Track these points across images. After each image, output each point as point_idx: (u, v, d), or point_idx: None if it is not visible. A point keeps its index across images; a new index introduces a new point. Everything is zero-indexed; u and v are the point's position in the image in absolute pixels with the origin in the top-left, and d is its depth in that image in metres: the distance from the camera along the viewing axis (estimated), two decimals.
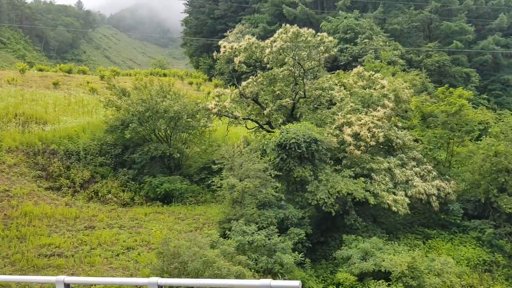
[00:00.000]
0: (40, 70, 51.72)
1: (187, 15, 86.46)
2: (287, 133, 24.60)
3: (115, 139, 30.38)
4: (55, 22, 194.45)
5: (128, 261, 19.34)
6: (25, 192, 25.29)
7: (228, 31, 67.15)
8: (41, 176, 27.65)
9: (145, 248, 20.90)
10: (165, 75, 59.57)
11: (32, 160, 28.47)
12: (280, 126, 29.43)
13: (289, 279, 19.92)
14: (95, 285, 12.08)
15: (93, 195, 27.44)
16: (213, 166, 30.79)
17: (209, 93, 47.01)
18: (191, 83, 58.34)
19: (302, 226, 23.98)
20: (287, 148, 24.26)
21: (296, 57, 29.48)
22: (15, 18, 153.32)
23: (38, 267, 17.90)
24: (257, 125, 32.50)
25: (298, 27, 29.24)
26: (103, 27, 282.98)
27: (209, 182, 30.29)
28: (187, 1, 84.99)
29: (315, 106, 31.35)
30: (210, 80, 67.41)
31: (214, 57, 32.05)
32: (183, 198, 28.81)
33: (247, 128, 33.09)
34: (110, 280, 8.34)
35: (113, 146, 30.39)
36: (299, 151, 23.99)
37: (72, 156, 29.11)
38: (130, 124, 27.81)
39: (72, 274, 17.58)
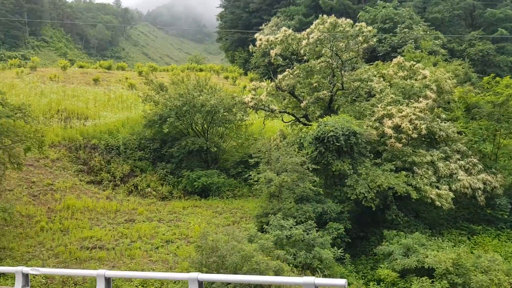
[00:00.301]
0: (81, 67, 53.13)
1: (223, 9, 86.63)
2: (325, 126, 24.08)
3: (153, 133, 30.77)
4: (94, 20, 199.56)
5: (167, 254, 19.48)
6: (67, 186, 26.01)
7: (263, 25, 66.66)
8: (82, 170, 28.37)
9: (184, 241, 21.01)
10: (201, 70, 59.96)
11: (74, 155, 29.24)
12: (317, 119, 28.92)
13: (329, 274, 19.53)
14: (134, 279, 12.13)
15: (132, 188, 27.91)
16: (249, 160, 30.78)
17: (244, 87, 46.87)
18: (226, 78, 58.41)
19: (341, 221, 23.44)
20: (325, 141, 23.75)
21: (334, 48, 28.80)
22: (57, 17, 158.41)
23: (80, 259, 18.30)
24: (294, 118, 32.06)
25: (335, 18, 28.53)
26: (140, 24, 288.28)
27: (246, 176, 30.30)
28: None
29: (353, 98, 30.57)
30: (245, 74, 67.31)
31: (250, 50, 31.79)
32: (220, 192, 28.86)
33: (284, 122, 32.72)
34: (150, 274, 8.28)
35: (152, 141, 30.81)
36: (338, 144, 23.44)
37: (112, 151, 29.71)
38: (168, 119, 28.04)
39: (113, 267, 17.87)
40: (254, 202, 27.41)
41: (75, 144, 29.82)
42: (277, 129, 33.74)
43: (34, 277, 15.90)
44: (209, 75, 33.85)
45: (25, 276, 8.14)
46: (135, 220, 23.18)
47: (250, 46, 31.79)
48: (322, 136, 23.85)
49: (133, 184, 28.16)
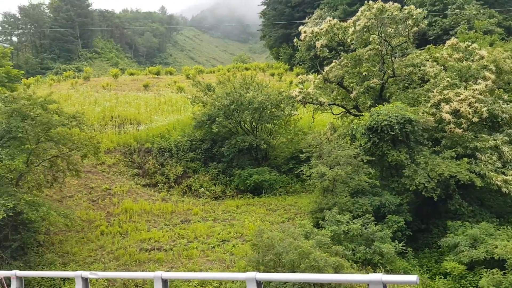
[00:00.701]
0: (131, 74, 54.72)
1: (265, 7, 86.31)
2: (377, 115, 23.13)
3: (203, 134, 31.01)
4: (142, 29, 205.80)
5: (224, 253, 19.43)
6: (124, 190, 26.69)
7: (306, 18, 65.71)
8: (138, 174, 29.04)
9: (239, 240, 20.90)
10: (247, 69, 59.95)
11: (129, 159, 30.01)
12: (368, 109, 27.95)
13: (391, 270, 18.73)
14: (193, 279, 12.06)
15: (186, 189, 28.24)
16: (300, 155, 30.30)
17: (291, 82, 46.33)
18: (272, 74, 58.06)
19: (400, 214, 22.45)
20: (378, 131, 22.81)
21: (382, 34, 27.68)
22: (106, 28, 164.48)
23: (140, 261, 18.62)
24: (343, 110, 31.21)
25: (382, 3, 27.39)
26: (186, 29, 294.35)
27: (298, 171, 29.83)
28: None
29: (406, 85, 29.31)
30: (291, 69, 66.65)
31: (295, 43, 31.19)
32: (272, 189, 28.57)
33: (333, 114, 31.90)
34: (207, 275, 8.08)
35: (202, 141, 31.06)
36: (392, 133, 22.43)
37: (165, 153, 30.22)
38: (216, 118, 28.11)
39: (172, 268, 18.04)
40: (307, 198, 26.90)
41: (130, 149, 30.61)
42: (327, 123, 33.04)
43: (96, 280, 16.34)
44: (254, 73, 33.59)
45: (85, 280, 8.13)
46: (191, 221, 23.37)
47: (295, 40, 31.22)
48: (375, 126, 22.93)
49: (186, 185, 28.48)
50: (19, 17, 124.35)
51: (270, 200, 26.93)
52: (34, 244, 19.84)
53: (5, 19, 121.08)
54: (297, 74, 55.30)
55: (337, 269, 15.86)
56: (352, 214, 20.98)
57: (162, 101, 39.46)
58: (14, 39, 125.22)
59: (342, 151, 22.76)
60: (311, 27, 35.42)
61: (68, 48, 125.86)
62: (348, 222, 20.08)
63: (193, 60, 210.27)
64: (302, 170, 24.60)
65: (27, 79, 49.31)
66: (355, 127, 25.10)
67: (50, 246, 20.40)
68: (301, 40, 30.91)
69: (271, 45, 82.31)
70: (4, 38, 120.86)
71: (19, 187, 19.62)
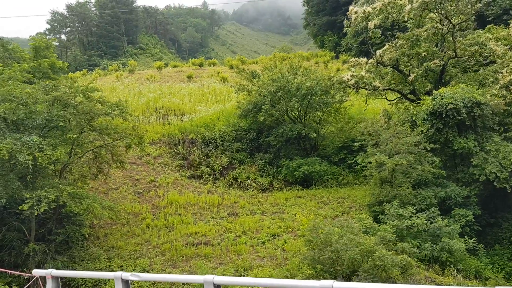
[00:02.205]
0: (175, 66, 54.36)
1: None
2: (441, 98, 20.93)
3: (248, 123, 29.74)
4: (185, 25, 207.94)
5: (275, 249, 18.06)
6: (169, 181, 25.86)
7: (353, 3, 62.95)
8: (183, 166, 28.18)
9: (291, 235, 19.46)
10: (289, 58, 58.20)
11: (173, 150, 29.21)
12: (426, 93, 25.69)
13: (462, 269, 16.74)
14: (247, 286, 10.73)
15: (232, 181, 27.09)
16: (353, 145, 28.43)
17: (338, 69, 44.13)
18: (317, 63, 55.87)
19: (468, 207, 20.29)
20: (443, 115, 20.62)
21: (443, 11, 25.22)
22: (150, 25, 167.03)
23: (186, 257, 17.58)
24: (398, 95, 28.97)
25: None
26: (227, 23, 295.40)
27: (350, 162, 28.02)
28: None
29: (469, 66, 26.77)
30: (336, 57, 64.19)
31: (345, 24, 29.13)
32: (323, 180, 26.92)
33: (387, 100, 29.74)
34: (267, 282, 6.66)
35: (247, 131, 29.80)
36: (459, 118, 20.19)
37: (210, 144, 29.20)
38: (262, 106, 26.70)
39: (220, 264, 16.87)
40: (362, 190, 25.08)
41: (174, 140, 29.82)
42: (379, 110, 30.94)
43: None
44: (300, 61, 31.92)
45: (125, 282, 6.95)
46: (238, 214, 22.16)
47: (345, 21, 29.20)
48: (439, 110, 20.74)
49: (232, 177, 27.33)
50: (67, 15, 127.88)
51: (321, 192, 25.31)
52: (79, 238, 19.24)
53: (53, 17, 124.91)
54: (344, 62, 53.04)
55: (404, 269, 14.14)
56: (414, 207, 19.08)
57: (206, 91, 38.50)
58: (63, 37, 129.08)
59: (402, 139, 20.79)
60: (364, 4, 33.11)
61: (114, 45, 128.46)
62: (411, 216, 18.23)
63: (234, 54, 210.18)
64: (357, 160, 22.83)
65: (74, 73, 50.04)
66: (414, 112, 22.99)
67: (95, 240, 19.76)
68: (350, 22, 28.92)
69: (315, 33, 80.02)
70: (53, 36, 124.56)
71: (63, 178, 19.05)
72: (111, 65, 57.75)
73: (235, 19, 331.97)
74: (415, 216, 18.13)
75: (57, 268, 16.78)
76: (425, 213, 18.59)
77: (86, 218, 19.13)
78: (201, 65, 54.46)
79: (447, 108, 20.35)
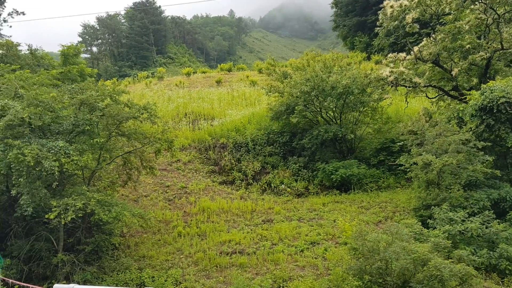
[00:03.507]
0: (204, 72, 53.90)
1: None
2: (491, 92, 19.24)
3: (281, 126, 28.60)
4: (212, 34, 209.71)
5: (315, 258, 16.75)
6: (201, 188, 24.96)
7: (384, 2, 61.12)
8: (214, 171, 27.27)
9: (331, 242, 18.11)
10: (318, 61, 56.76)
11: (204, 156, 28.37)
12: (470, 89, 23.95)
13: None
14: None
15: (266, 186, 25.95)
16: (392, 146, 26.90)
17: (371, 69, 42.46)
18: (349, 64, 54.30)
19: None
20: (494, 110, 18.92)
21: (487, 0, 23.48)
22: (179, 34, 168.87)
23: (221, 266, 16.49)
24: (440, 92, 27.25)
25: None
26: (254, 31, 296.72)
27: (390, 164, 26.46)
28: None
29: None
30: (368, 58, 62.34)
31: (380, 19, 27.60)
32: (362, 184, 25.47)
33: (428, 98, 28.03)
34: None
35: (280, 134, 28.64)
36: None
37: (241, 148, 28.19)
38: (295, 107, 25.51)
39: (257, 274, 15.70)
40: (405, 194, 23.50)
41: (205, 145, 28.98)
42: (418, 109, 29.28)
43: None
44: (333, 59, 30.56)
45: None
46: (273, 220, 20.97)
47: (380, 15, 27.69)
48: (489, 104, 19.05)
49: (266, 182, 26.18)
50: (98, 28, 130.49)
51: (360, 196, 23.85)
52: (109, 247, 18.47)
53: (85, 30, 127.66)
54: (376, 62, 51.34)
55: (462, 279, 12.60)
56: (466, 211, 17.46)
57: (236, 95, 37.62)
58: (94, 49, 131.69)
59: (449, 137, 19.18)
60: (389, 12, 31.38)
61: (144, 55, 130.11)
62: (463, 220, 16.65)
63: (262, 61, 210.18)
64: (398, 162, 21.32)
65: (105, 81, 50.24)
66: (461, 108, 21.32)
67: (126, 249, 18.94)
68: (385, 17, 27.49)
69: (344, 35, 78.28)
70: (85, 49, 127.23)
71: (92, 186, 18.38)
72: (141, 73, 57.83)
73: (261, 26, 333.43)
74: (468, 220, 16.56)
75: (86, 281, 16.02)
76: (479, 216, 16.97)
77: (116, 227, 18.33)
78: (229, 70, 53.81)
79: (499, 102, 18.66)
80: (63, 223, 15.05)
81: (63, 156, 15.14)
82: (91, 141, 16.26)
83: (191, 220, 21.11)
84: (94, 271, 16.58)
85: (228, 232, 19.71)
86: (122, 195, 23.16)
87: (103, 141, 16.55)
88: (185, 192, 24.41)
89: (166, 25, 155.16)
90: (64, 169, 15.72)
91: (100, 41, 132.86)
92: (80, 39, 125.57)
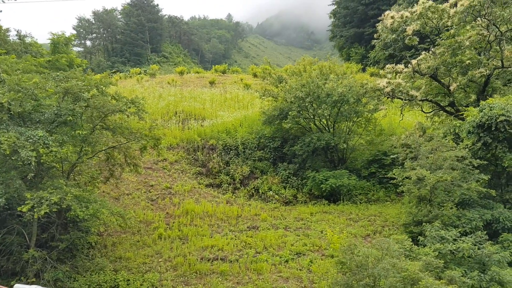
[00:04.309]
0: (197, 72, 53.10)
1: (335, 6, 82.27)
2: (490, 110, 18.78)
3: (273, 131, 27.92)
4: (209, 36, 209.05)
5: (300, 269, 16.05)
6: (186, 189, 24.14)
7: (383, 15, 61.01)
8: (201, 173, 26.47)
9: (318, 254, 17.41)
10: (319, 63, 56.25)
11: (192, 157, 27.57)
12: (467, 106, 23.52)
13: None
14: None
15: (253, 192, 25.22)
16: (384, 158, 26.39)
17: (367, 80, 42.07)
18: (344, 73, 53.96)
19: None
20: (492, 128, 18.45)
21: (491, 17, 23.12)
22: (175, 34, 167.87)
23: (201, 273, 15.70)
24: (435, 108, 26.82)
25: None
26: (251, 36, 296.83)
27: (381, 177, 25.93)
28: None
29: None
30: (363, 70, 62.13)
31: (378, 28, 27.10)
32: (351, 195, 24.89)
33: (424, 112, 27.58)
34: None
35: (271, 139, 27.95)
36: (511, 131, 17.99)
37: (231, 151, 27.43)
38: (289, 113, 24.86)
39: (238, 283, 14.94)
40: (394, 208, 22.96)
41: (193, 146, 28.17)
42: (412, 124, 28.84)
43: None
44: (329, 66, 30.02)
45: None
46: (259, 228, 20.23)
47: (379, 26, 27.24)
48: (487, 122, 18.57)
49: (253, 187, 25.45)
50: (93, 22, 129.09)
51: (349, 208, 23.24)
52: (85, 246, 17.59)
53: (80, 23, 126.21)
54: (371, 74, 51.02)
55: None
56: (458, 230, 16.91)
57: (228, 97, 36.87)
58: (88, 43, 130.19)
59: (445, 152, 18.65)
60: (386, 25, 30.90)
61: (138, 52, 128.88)
62: (455, 239, 16.08)
63: (257, 66, 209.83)
64: (388, 175, 20.78)
65: (94, 75, 49.07)
66: (458, 124, 20.85)
67: (102, 249, 18.06)
68: (384, 27, 27.06)
69: (341, 46, 78.07)
70: (79, 42, 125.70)
71: (72, 180, 17.49)
72: (133, 69, 56.81)
73: (259, 32, 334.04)
74: (460, 240, 16.00)
75: (57, 279, 15.13)
76: (471, 237, 16.42)
77: (93, 225, 17.42)
78: (224, 72, 53.10)
79: (498, 120, 18.19)
80: (36, 217, 14.15)
81: (41, 147, 14.30)
82: (73, 132, 15.40)
83: (173, 223, 20.28)
84: (66, 270, 15.70)
85: (211, 237, 18.93)
86: (103, 191, 22.25)
87: (86, 134, 15.70)
88: (169, 193, 23.56)
89: (163, 24, 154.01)
90: (42, 160, 14.86)
91: (94, 35, 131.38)
92: (75, 32, 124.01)
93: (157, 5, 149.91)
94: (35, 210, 13.82)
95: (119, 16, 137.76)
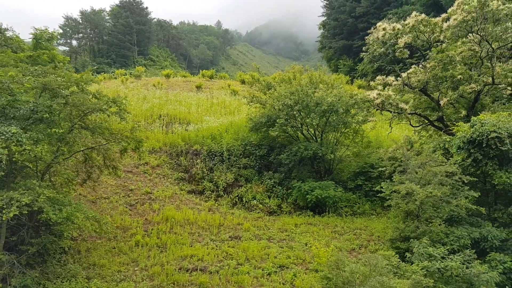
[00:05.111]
0: (184, 76, 52.31)
1: (325, 18, 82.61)
2: (481, 126, 18.48)
3: (259, 138, 27.28)
4: (197, 42, 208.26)
5: (283, 283, 15.36)
6: (167, 195, 23.29)
7: (372, 28, 61.28)
8: (183, 179, 25.65)
9: (301, 267, 16.75)
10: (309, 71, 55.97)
11: (175, 161, 26.75)
12: (456, 121, 23.31)
13: None
14: None
15: (237, 200, 24.50)
16: (371, 171, 25.95)
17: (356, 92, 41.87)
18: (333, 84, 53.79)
19: (505, 251, 17.65)
20: (483, 145, 18.13)
21: (483, 33, 22.99)
22: (163, 38, 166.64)
23: (178, 284, 14.89)
24: (424, 122, 26.57)
25: None
26: (239, 44, 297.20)
27: (367, 189, 25.49)
28: (326, 3, 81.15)
29: (504, 96, 24.52)
30: (351, 82, 62.18)
31: (369, 39, 26.72)
32: (336, 207, 24.37)
33: (412, 126, 27.30)
34: None
35: (258, 147, 27.30)
36: (503, 148, 17.68)
37: (215, 157, 26.68)
38: (277, 120, 24.28)
39: None
40: (380, 222, 22.47)
41: (176, 150, 27.34)
42: (399, 137, 28.55)
43: None
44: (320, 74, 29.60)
45: None
46: (241, 238, 19.50)
47: (370, 38, 26.89)
48: (479, 138, 18.26)
49: (237, 195, 24.72)
50: (80, 21, 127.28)
51: (334, 220, 22.69)
52: (57, 250, 16.61)
53: (66, 22, 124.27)
54: (359, 87, 50.95)
55: None
56: (447, 247, 16.49)
57: (215, 102, 36.16)
58: (74, 42, 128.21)
59: (435, 167, 18.25)
60: (375, 38, 30.57)
61: (125, 54, 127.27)
62: (443, 257, 15.65)
63: (245, 73, 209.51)
64: (375, 188, 20.31)
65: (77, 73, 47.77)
66: (448, 139, 20.52)
67: (76, 254, 17.11)
68: (376, 38, 26.78)
69: (329, 57, 78.25)
70: (64, 41, 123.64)
71: (48, 181, 16.55)
72: (118, 71, 55.70)
73: (247, 40, 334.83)
74: (448, 258, 15.55)
75: (24, 286, 14.15)
76: (459, 255, 15.99)
77: (67, 229, 16.47)
78: (211, 77, 52.40)
79: (489, 137, 17.88)
80: (4, 219, 13.22)
81: (14, 144, 13.42)
82: (49, 130, 14.53)
83: (152, 229, 19.41)
84: (35, 276, 14.74)
85: (191, 246, 18.12)
86: (80, 194, 21.27)
87: (63, 132, 14.84)
88: (149, 198, 22.68)
89: (151, 27, 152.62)
90: (14, 159, 13.97)
91: (81, 35, 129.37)
92: (61, 31, 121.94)
93: (146, 8, 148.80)
94: (3, 211, 12.92)
95: (107, 17, 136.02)
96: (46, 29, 26.09)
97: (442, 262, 15.36)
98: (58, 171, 17.13)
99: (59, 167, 16.98)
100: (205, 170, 25.86)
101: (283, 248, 18.59)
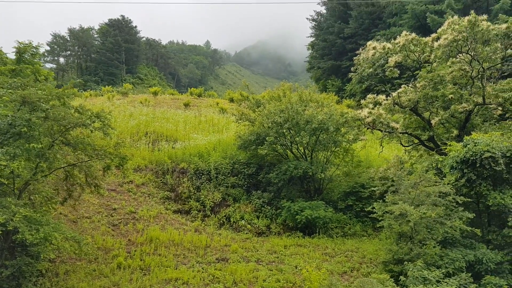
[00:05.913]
0: (172, 94, 51.80)
1: (313, 39, 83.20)
2: (475, 145, 18.16)
3: (248, 157, 26.70)
4: (186, 61, 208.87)
5: None
6: (152, 214, 22.46)
7: (360, 49, 61.76)
8: (169, 198, 24.85)
9: None
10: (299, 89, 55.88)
11: (160, 180, 25.96)
12: (449, 140, 23.05)
13: None
14: None
15: (224, 220, 23.73)
16: (361, 191, 25.47)
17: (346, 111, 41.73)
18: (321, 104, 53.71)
19: (500, 274, 17.17)
20: (477, 165, 17.77)
21: (473, 53, 22.95)
22: (152, 57, 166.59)
23: None
24: (416, 141, 26.30)
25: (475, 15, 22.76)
26: (228, 64, 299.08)
27: (358, 210, 24.97)
28: (315, 24, 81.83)
29: (494, 116, 24.40)
30: (340, 102, 62.26)
31: (359, 58, 26.54)
32: (327, 228, 23.77)
33: (403, 146, 27.00)
34: None
35: (246, 165, 26.67)
36: (497, 169, 17.33)
37: (203, 176, 25.96)
38: (266, 138, 23.75)
39: None
40: (372, 244, 21.87)
41: (163, 168, 26.59)
42: (390, 157, 28.26)
43: None
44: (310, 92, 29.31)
45: None
46: (229, 260, 18.70)
47: (361, 56, 26.73)
48: (472, 158, 17.91)
49: (225, 215, 23.97)
50: (68, 39, 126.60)
51: (325, 242, 22.04)
52: (34, 273, 15.63)
53: (54, 40, 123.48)
54: (348, 106, 50.94)
55: None
56: (442, 270, 15.91)
57: (203, 120, 35.59)
58: (61, 60, 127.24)
59: (428, 187, 17.80)
60: (363, 58, 30.46)
61: (112, 72, 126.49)
62: (438, 281, 15.07)
63: (234, 92, 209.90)
64: (373, 208, 19.76)
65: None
66: (440, 159, 20.17)
67: (53, 277, 16.15)
68: (364, 58, 26.63)
69: (318, 77, 78.50)
70: (51, 59, 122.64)
71: (27, 199, 15.70)
72: (105, 88, 54.97)
73: (236, 60, 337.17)
74: (444, 282, 14.98)
75: None
76: (455, 278, 15.47)
77: (45, 250, 15.56)
78: (200, 95, 52.00)
79: (483, 157, 17.54)
80: None
81: None
82: (27, 145, 13.77)
83: (135, 251, 18.53)
84: None
85: (176, 269, 17.27)
86: (60, 213, 20.34)
87: (42, 148, 14.08)
88: (133, 218, 21.82)
89: (140, 46, 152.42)
90: None
91: (69, 52, 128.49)
92: (48, 48, 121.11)
93: (135, 26, 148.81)
94: None
95: (95, 35, 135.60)
96: (30, 42, 25.38)
97: (438, 286, 14.79)
98: (37, 188, 16.27)
99: (38, 185, 16.15)
100: (191, 189, 25.11)
101: (272, 271, 17.83)
